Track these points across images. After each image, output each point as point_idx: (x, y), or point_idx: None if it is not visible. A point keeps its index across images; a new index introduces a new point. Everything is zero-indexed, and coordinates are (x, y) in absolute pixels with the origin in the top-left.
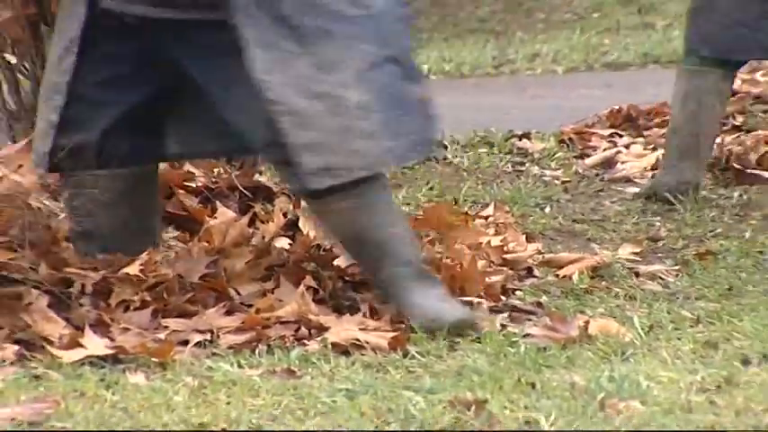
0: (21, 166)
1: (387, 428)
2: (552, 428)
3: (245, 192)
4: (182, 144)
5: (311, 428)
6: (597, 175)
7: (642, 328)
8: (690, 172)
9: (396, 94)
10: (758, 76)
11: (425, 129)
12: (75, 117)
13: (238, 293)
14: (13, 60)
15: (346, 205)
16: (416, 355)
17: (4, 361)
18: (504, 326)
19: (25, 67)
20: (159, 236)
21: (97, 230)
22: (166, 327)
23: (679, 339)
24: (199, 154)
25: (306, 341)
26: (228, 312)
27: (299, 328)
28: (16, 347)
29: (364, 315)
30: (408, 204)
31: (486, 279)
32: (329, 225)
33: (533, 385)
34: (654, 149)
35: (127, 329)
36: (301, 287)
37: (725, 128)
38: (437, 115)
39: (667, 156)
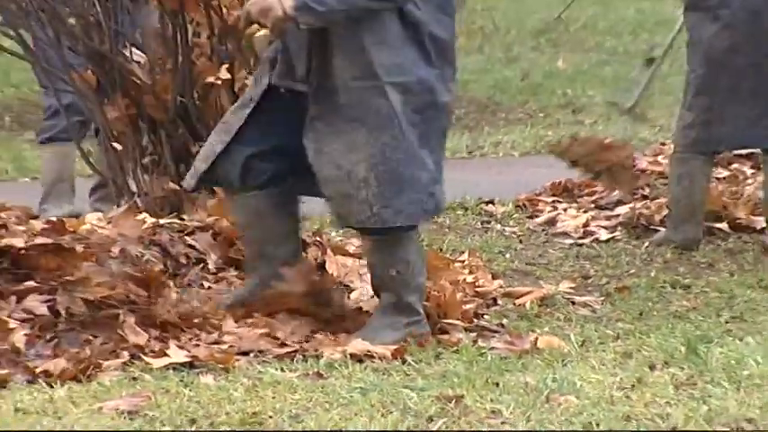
0: (120, 223)
1: (389, 417)
2: (511, 416)
3: None
4: (297, 183)
5: (335, 417)
6: (543, 230)
7: (576, 343)
8: (691, 231)
9: (399, 175)
10: (660, 158)
11: (416, 203)
12: (231, 150)
13: None
14: (119, 147)
15: (362, 244)
16: (411, 362)
17: (110, 366)
18: (475, 341)
19: (127, 153)
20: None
21: (253, 239)
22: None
23: (603, 351)
24: (305, 193)
25: (330, 352)
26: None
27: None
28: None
29: None
30: None
31: (463, 306)
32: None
33: (497, 384)
34: (585, 212)
35: (198, 344)
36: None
37: (635, 196)
38: (434, 194)
39: (672, 219)
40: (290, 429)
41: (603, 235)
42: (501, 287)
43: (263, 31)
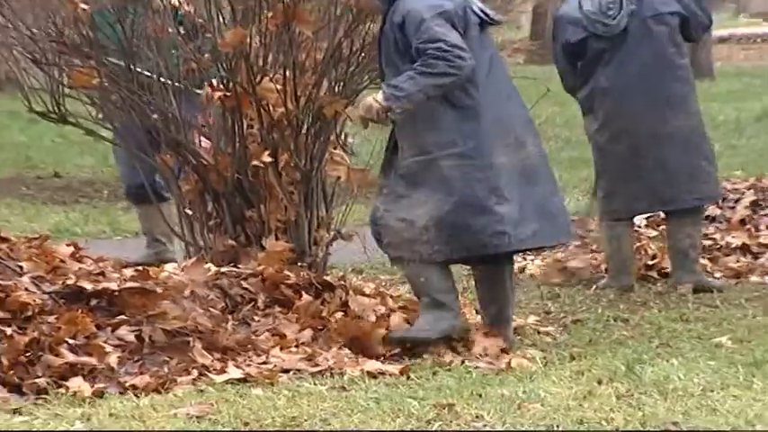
0: (191, 271)
1: (397, 420)
2: (491, 420)
3: (318, 285)
4: None
5: (355, 420)
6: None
7: (541, 363)
8: (625, 280)
9: (450, 225)
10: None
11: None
12: None
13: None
14: (190, 212)
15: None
16: (414, 378)
17: (182, 381)
18: (463, 361)
19: (196, 217)
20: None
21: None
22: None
23: (561, 369)
24: None
25: (352, 371)
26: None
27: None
28: (189, 376)
29: (384, 356)
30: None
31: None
32: None
33: (480, 395)
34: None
35: (250, 364)
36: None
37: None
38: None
39: (610, 271)
40: (321, 430)
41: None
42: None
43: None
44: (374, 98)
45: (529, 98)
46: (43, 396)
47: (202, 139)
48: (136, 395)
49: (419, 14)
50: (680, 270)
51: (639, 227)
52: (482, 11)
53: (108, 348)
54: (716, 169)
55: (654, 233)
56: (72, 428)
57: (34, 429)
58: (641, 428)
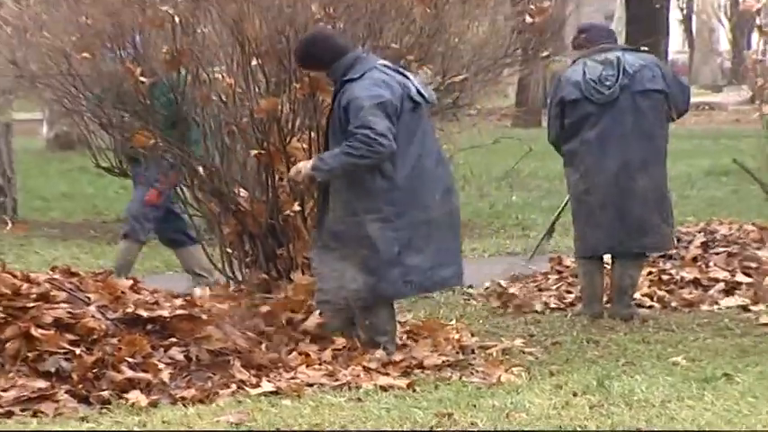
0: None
1: (404, 426)
2: (483, 426)
3: None
4: None
5: (369, 427)
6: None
7: (525, 378)
8: (597, 308)
9: (372, 275)
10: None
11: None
12: None
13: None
14: (231, 251)
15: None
16: (419, 390)
17: (223, 394)
18: (460, 377)
19: (236, 255)
20: None
21: None
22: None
23: (543, 384)
24: None
25: (366, 385)
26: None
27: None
28: (229, 389)
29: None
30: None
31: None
32: None
33: (474, 405)
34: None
35: (280, 379)
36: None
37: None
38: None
39: (584, 299)
40: None
41: (541, 308)
42: (477, 342)
43: None
44: (304, 165)
45: (514, 155)
46: (107, 406)
47: (241, 189)
48: (184, 405)
49: (360, 102)
50: (617, 304)
51: (606, 263)
52: (419, 93)
53: (161, 366)
54: (669, 225)
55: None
56: None
57: None
58: None
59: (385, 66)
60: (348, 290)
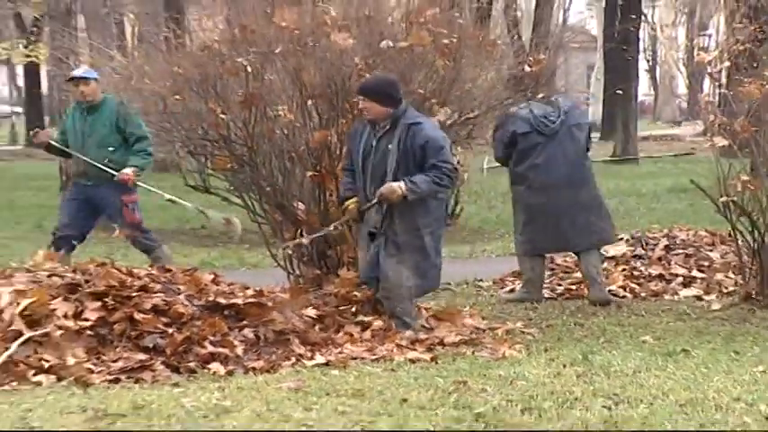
0: (291, 291)
1: (429, 392)
2: (491, 391)
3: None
4: None
5: (401, 391)
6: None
7: (525, 353)
8: (538, 295)
9: (422, 275)
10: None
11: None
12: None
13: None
14: (290, 252)
15: None
16: (440, 363)
17: (285, 365)
18: (473, 352)
19: (294, 255)
20: None
21: None
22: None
23: (539, 358)
24: None
25: (399, 358)
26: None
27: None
28: (289, 361)
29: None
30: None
31: (468, 335)
32: None
33: (485, 375)
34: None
35: (330, 353)
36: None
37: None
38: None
39: (529, 287)
40: (378, 397)
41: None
42: (486, 324)
43: (352, 205)
44: (399, 186)
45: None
46: (193, 374)
47: (299, 203)
48: (254, 374)
49: (440, 142)
50: (593, 290)
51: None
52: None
53: (236, 343)
54: (609, 224)
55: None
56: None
57: (187, 397)
58: (593, 397)
59: (420, 114)
60: (404, 287)
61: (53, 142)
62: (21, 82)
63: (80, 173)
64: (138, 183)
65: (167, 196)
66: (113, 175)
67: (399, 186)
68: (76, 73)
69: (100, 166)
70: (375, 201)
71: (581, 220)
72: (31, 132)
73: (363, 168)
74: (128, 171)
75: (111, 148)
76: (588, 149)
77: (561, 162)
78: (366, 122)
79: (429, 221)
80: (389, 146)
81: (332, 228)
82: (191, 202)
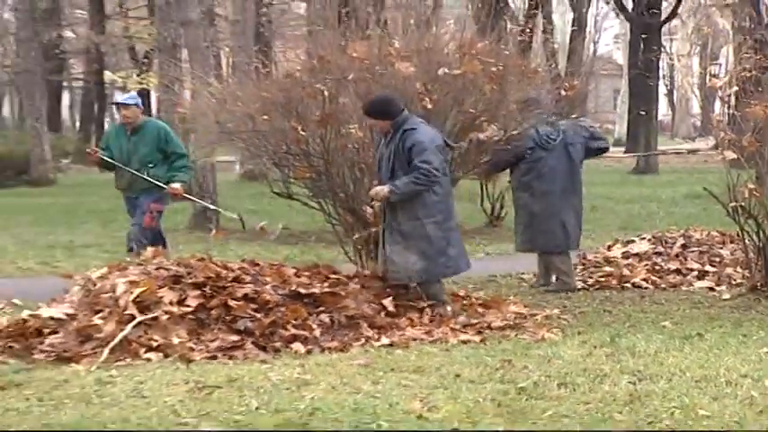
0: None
1: (479, 368)
2: (533, 368)
3: None
4: None
5: (455, 366)
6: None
7: (561, 336)
8: (546, 280)
9: (428, 261)
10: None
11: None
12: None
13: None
14: (360, 248)
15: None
16: (488, 344)
17: (355, 345)
18: (516, 334)
19: (364, 252)
20: None
21: None
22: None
23: (572, 340)
24: None
25: (452, 340)
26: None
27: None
28: (359, 342)
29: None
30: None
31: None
32: None
33: (526, 354)
34: None
35: (393, 335)
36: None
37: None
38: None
39: (566, 279)
40: (435, 373)
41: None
42: (527, 311)
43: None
44: (382, 188)
45: None
46: (278, 353)
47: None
48: (329, 353)
49: (424, 145)
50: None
51: (617, 257)
52: (445, 141)
53: (314, 326)
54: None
55: (625, 262)
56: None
57: (273, 372)
58: (620, 373)
59: (422, 122)
60: (411, 270)
61: (104, 158)
62: None
63: (125, 186)
64: (185, 195)
65: (211, 207)
66: (163, 188)
67: (383, 189)
68: (118, 98)
69: (151, 179)
70: (371, 201)
71: (572, 223)
72: (88, 150)
73: (378, 170)
74: (177, 186)
75: (151, 165)
76: (581, 162)
77: (560, 173)
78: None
79: (430, 212)
80: (391, 148)
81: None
82: (272, 208)
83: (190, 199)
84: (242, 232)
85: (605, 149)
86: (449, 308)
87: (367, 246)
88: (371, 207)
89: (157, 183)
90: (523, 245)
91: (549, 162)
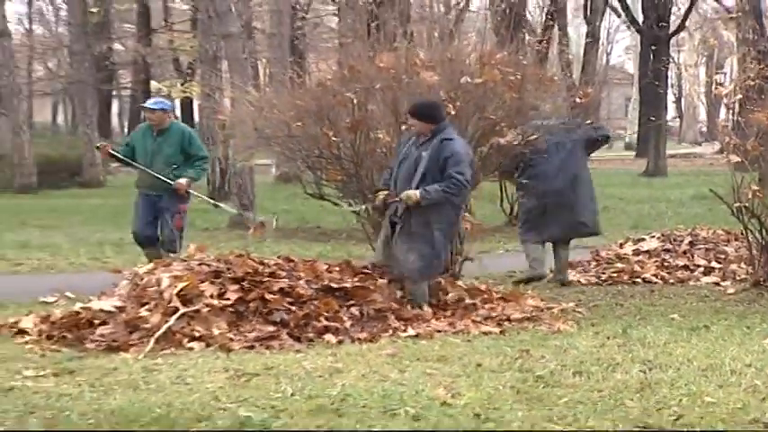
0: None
1: (499, 357)
2: (550, 357)
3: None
4: None
5: (477, 356)
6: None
7: (576, 328)
8: (541, 271)
9: (428, 262)
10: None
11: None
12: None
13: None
14: None
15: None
16: (508, 335)
17: (383, 336)
18: (533, 326)
19: None
20: None
21: None
22: (432, 326)
23: (587, 332)
24: None
25: (474, 331)
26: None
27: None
28: (387, 333)
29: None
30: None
31: (530, 313)
32: None
33: (543, 345)
34: (576, 274)
35: (419, 326)
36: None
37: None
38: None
39: (534, 267)
40: (458, 362)
41: (585, 282)
42: (544, 304)
43: (381, 196)
44: (415, 193)
45: None
46: (311, 343)
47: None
48: (359, 343)
49: (460, 156)
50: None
51: (628, 254)
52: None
53: (345, 318)
54: (597, 212)
55: (636, 258)
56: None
57: (307, 360)
58: (631, 363)
59: (456, 133)
60: (408, 269)
61: (113, 152)
62: (178, 112)
63: (148, 185)
64: (189, 191)
65: (212, 202)
66: (170, 184)
67: (415, 193)
68: (146, 104)
69: (159, 176)
70: (398, 199)
71: (580, 207)
72: (97, 145)
73: (398, 169)
74: (182, 181)
75: (174, 165)
76: (580, 157)
77: (550, 173)
78: (413, 135)
79: (440, 220)
80: (423, 153)
81: (360, 208)
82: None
83: (193, 194)
84: (277, 231)
85: (607, 137)
86: (426, 308)
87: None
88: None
89: (165, 179)
90: (526, 232)
91: (540, 163)
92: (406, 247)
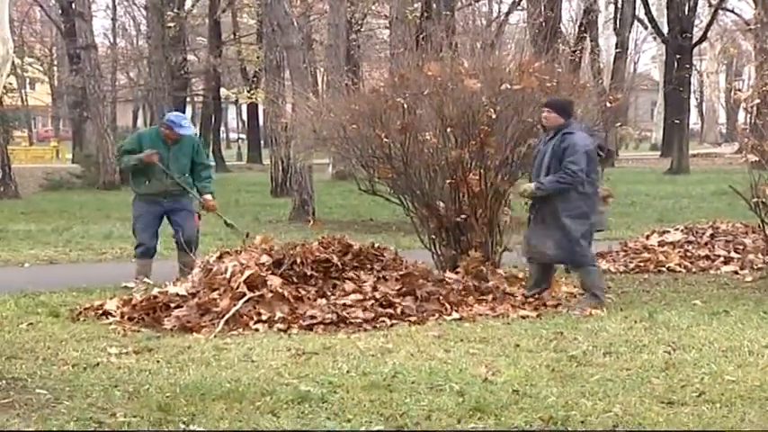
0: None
1: (535, 339)
2: (581, 340)
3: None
4: None
5: (514, 337)
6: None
7: (606, 312)
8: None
9: (562, 247)
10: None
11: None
12: None
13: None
14: (434, 237)
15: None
16: (543, 319)
17: (429, 320)
18: (567, 310)
19: (438, 241)
20: None
21: None
22: (474, 310)
23: (616, 316)
24: None
25: (512, 314)
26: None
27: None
28: (434, 317)
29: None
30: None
31: (564, 298)
32: None
33: (576, 328)
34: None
35: (461, 310)
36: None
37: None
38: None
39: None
40: (498, 343)
41: (614, 271)
42: (577, 291)
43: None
44: (529, 185)
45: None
46: (366, 325)
47: (439, 202)
48: (409, 325)
49: (576, 147)
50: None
51: (654, 245)
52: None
53: (397, 302)
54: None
55: (661, 250)
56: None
57: (361, 341)
58: (657, 344)
59: (581, 128)
60: (547, 255)
61: (159, 165)
62: (244, 116)
63: (161, 191)
64: (217, 212)
65: (229, 221)
66: (199, 200)
67: (530, 186)
68: (176, 125)
69: (186, 187)
70: (518, 192)
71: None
72: (146, 153)
73: (533, 164)
74: (209, 197)
75: (186, 174)
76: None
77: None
78: (545, 132)
79: (568, 207)
80: (548, 148)
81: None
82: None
83: (218, 215)
84: (333, 223)
85: (608, 152)
86: (600, 297)
87: (440, 234)
88: (443, 202)
89: (194, 193)
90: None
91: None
92: (542, 233)
